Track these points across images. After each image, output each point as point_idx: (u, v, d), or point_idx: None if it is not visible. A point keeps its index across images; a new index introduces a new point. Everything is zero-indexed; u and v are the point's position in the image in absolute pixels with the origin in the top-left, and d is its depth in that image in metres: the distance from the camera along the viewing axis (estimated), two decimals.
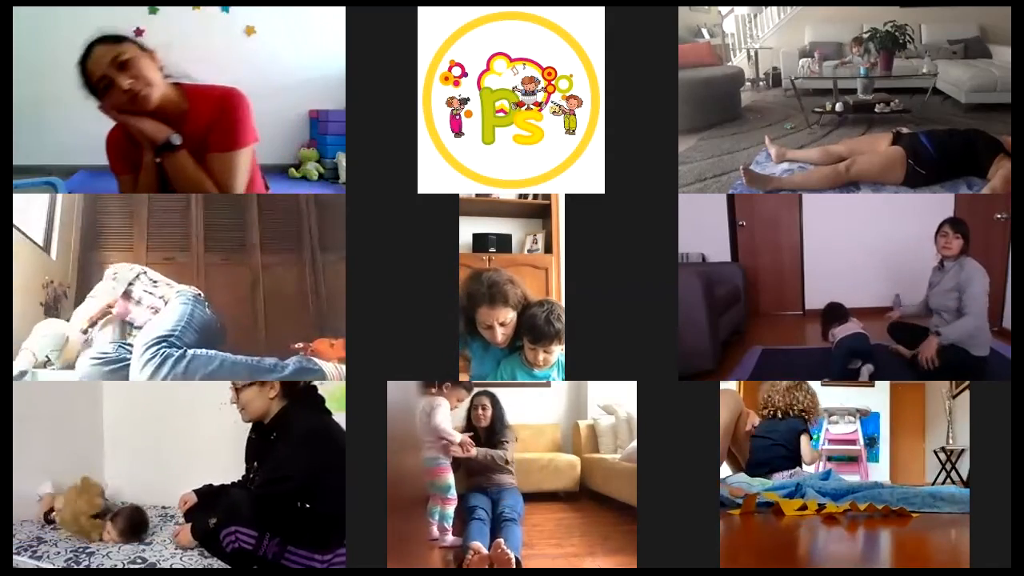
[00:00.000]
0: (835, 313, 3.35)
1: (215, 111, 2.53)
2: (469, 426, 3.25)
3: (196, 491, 2.71)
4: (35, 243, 3.14)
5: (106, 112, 2.49)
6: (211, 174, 2.53)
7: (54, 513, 2.71)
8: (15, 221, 2.74)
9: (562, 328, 2.47)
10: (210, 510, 2.52)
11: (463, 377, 2.67)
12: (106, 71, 2.43)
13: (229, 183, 2.54)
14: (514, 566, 2.50)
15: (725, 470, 3.33)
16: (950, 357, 2.97)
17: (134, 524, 2.69)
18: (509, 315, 2.52)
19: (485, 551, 2.54)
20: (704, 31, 4.15)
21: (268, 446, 2.52)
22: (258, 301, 3.74)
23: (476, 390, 3.20)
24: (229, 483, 2.68)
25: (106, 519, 2.66)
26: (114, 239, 3.72)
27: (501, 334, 2.53)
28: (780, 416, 3.45)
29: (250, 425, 2.62)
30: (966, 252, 3.07)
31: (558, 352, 2.52)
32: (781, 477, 3.30)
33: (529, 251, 4.28)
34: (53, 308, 3.12)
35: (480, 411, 3.23)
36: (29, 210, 3.11)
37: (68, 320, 2.93)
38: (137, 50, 2.47)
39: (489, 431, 3.23)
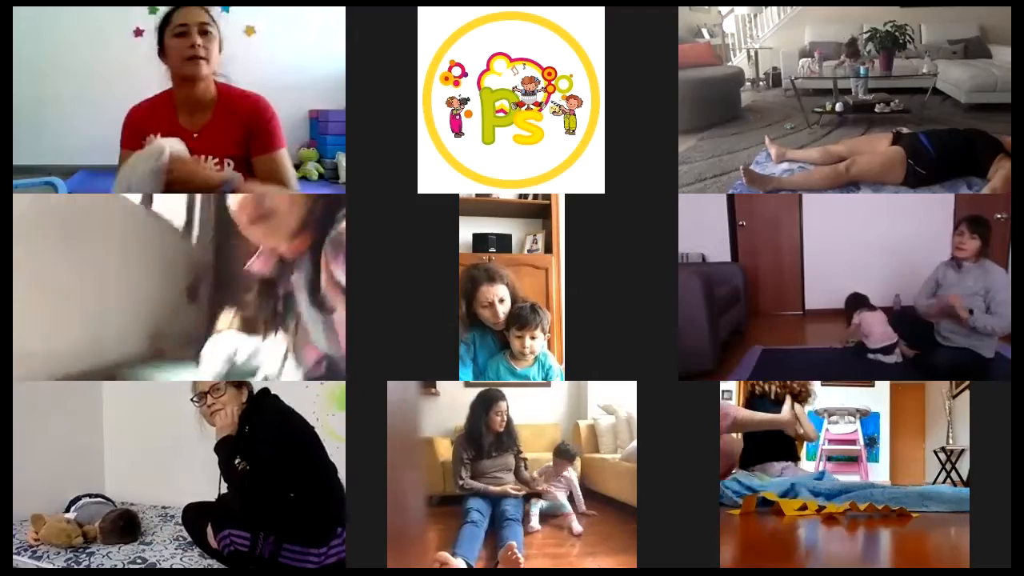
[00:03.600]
0: (858, 302, 3.38)
1: (248, 115, 2.62)
2: (479, 430, 3.21)
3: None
4: (176, 228, 3.12)
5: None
6: (261, 176, 2.58)
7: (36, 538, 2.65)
8: (154, 207, 2.89)
9: (542, 319, 2.66)
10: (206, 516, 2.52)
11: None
12: (190, 22, 2.56)
13: (284, 180, 2.62)
14: (521, 565, 2.51)
15: None
16: (956, 357, 2.96)
17: (123, 525, 2.69)
18: (507, 293, 2.69)
19: (452, 563, 2.47)
20: (704, 31, 4.15)
21: (245, 439, 2.48)
22: None
23: (492, 391, 3.20)
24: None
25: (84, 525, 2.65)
26: None
27: (501, 312, 2.67)
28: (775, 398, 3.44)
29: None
30: (985, 253, 2.99)
31: (542, 342, 2.67)
32: (775, 471, 3.29)
33: (529, 251, 4.27)
34: (195, 292, 3.11)
35: (500, 416, 3.21)
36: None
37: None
38: (217, 33, 2.62)
39: (501, 436, 3.22)
